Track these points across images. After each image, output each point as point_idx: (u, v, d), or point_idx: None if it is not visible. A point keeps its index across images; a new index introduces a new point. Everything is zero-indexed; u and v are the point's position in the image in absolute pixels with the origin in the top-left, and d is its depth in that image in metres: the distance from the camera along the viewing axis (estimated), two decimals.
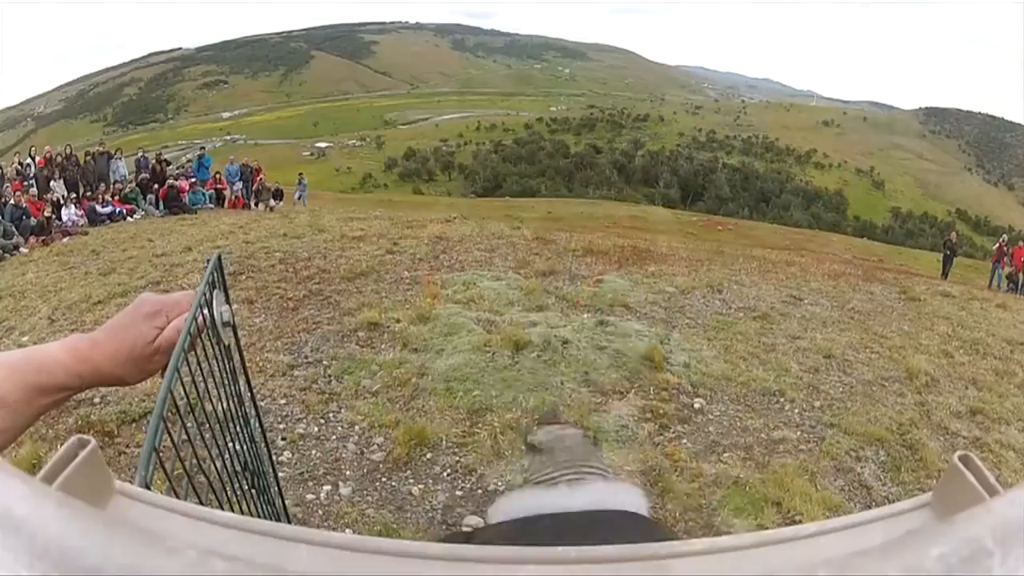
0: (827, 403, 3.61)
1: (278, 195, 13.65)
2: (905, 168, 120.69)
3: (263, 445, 0.96)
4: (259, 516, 0.83)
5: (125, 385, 0.64)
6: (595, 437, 1.05)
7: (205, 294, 0.65)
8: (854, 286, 6.81)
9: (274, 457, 0.99)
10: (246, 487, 0.77)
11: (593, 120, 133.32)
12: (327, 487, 2.70)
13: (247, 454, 0.80)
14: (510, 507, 0.87)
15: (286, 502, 1.05)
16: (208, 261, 0.72)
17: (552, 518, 0.80)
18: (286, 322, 4.44)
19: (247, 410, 0.85)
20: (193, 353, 0.61)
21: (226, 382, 0.72)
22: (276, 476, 1.06)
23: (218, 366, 0.69)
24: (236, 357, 0.80)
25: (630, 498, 0.85)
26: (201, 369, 0.63)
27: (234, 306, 0.73)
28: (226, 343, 0.71)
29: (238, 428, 0.77)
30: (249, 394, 0.90)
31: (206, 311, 0.65)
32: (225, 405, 0.71)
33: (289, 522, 1.02)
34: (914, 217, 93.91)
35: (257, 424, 0.92)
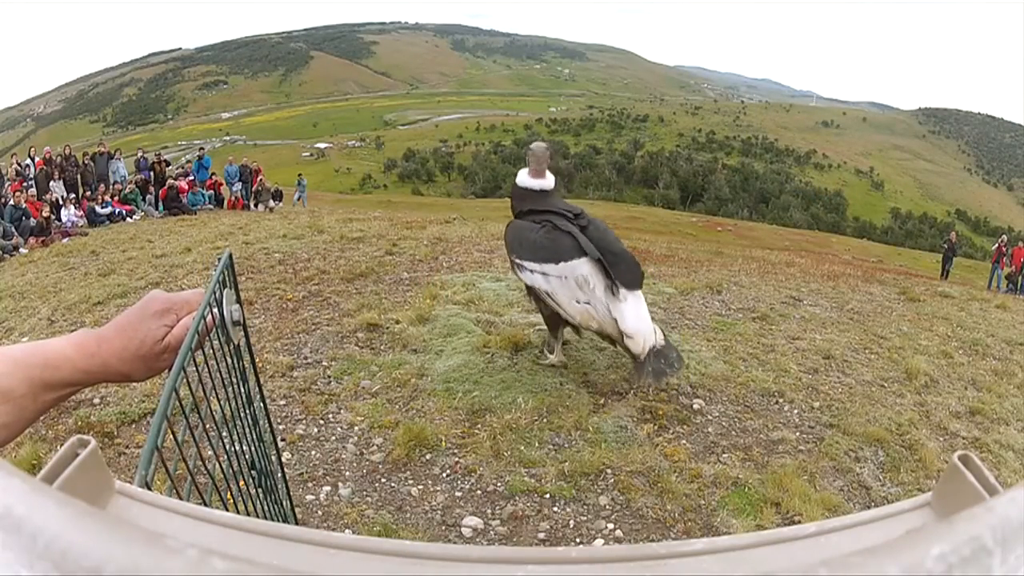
0: (826, 404, 3.61)
1: (277, 196, 13.65)
2: (905, 168, 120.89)
3: (272, 445, 0.96)
4: (266, 517, 0.83)
5: (132, 382, 0.64)
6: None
7: (215, 292, 0.64)
8: (853, 287, 6.81)
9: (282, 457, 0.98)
10: (253, 487, 0.77)
11: (592, 121, 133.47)
12: (326, 488, 2.70)
13: (255, 454, 0.79)
14: (521, 179, 3.55)
15: (293, 503, 1.04)
16: (219, 259, 0.71)
17: (530, 190, 3.50)
18: (285, 323, 4.44)
19: (255, 410, 0.85)
20: (201, 352, 0.61)
21: (235, 381, 0.72)
22: (284, 476, 1.04)
23: (227, 365, 0.68)
24: (246, 356, 0.80)
25: (551, 182, 3.52)
26: (209, 368, 0.62)
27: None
28: (236, 342, 0.70)
29: (246, 428, 0.76)
30: (259, 393, 0.89)
31: (216, 309, 0.64)
32: (234, 404, 0.71)
33: (296, 523, 1.02)
34: (913, 218, 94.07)
35: (266, 424, 0.92)
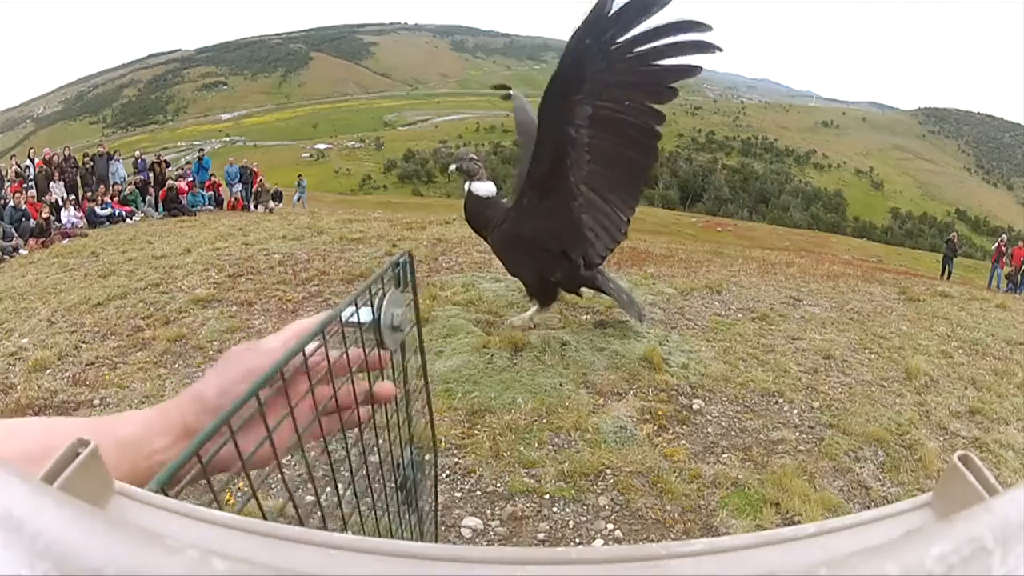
0: (826, 404, 3.61)
1: (277, 197, 13.66)
2: (904, 168, 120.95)
3: (423, 454, 0.86)
4: (406, 531, 0.78)
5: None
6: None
7: (370, 289, 0.58)
8: (853, 287, 6.81)
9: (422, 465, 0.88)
10: (394, 503, 0.71)
11: None
12: (327, 488, 2.70)
13: (403, 465, 0.74)
14: (480, 188, 3.92)
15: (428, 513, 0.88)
16: (400, 257, 0.65)
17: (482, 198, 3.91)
18: (285, 324, 4.42)
19: (409, 418, 0.77)
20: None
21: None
22: (436, 485, 0.93)
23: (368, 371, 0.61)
24: (410, 362, 0.72)
25: (489, 186, 3.92)
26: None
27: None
28: (393, 349, 0.62)
29: (391, 436, 0.70)
30: (427, 402, 0.82)
31: (361, 312, 0.57)
32: (380, 412, 0.64)
33: (437, 537, 0.96)
34: (913, 217, 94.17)
35: (412, 432, 0.82)
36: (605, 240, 3.81)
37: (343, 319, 0.56)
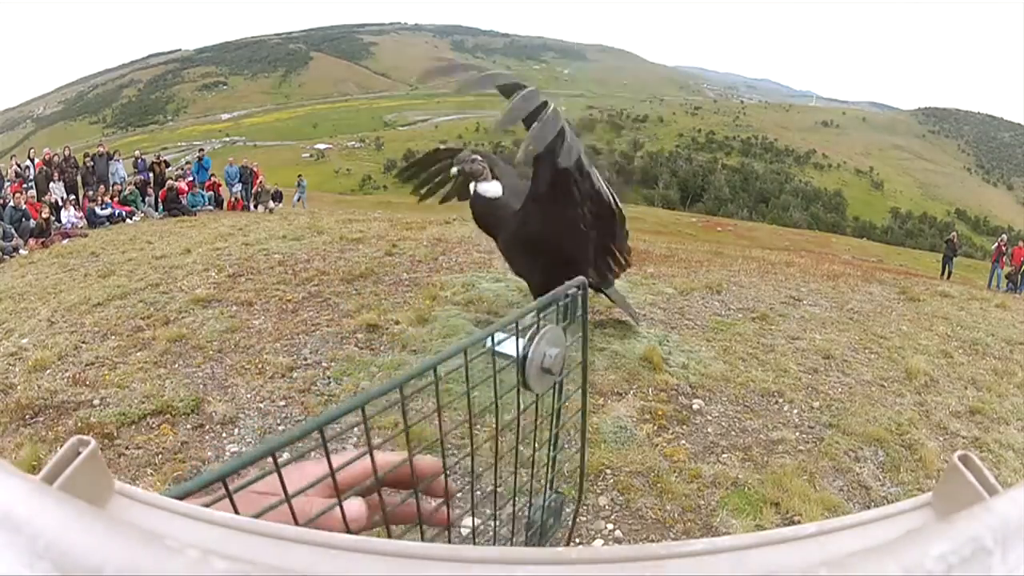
0: (826, 403, 3.61)
1: (277, 197, 13.65)
2: (904, 168, 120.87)
3: (562, 499, 0.76)
4: None
5: None
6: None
7: (517, 321, 0.49)
8: (853, 287, 6.81)
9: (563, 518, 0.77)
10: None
11: (592, 121, 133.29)
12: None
13: (531, 509, 0.66)
14: (487, 189, 3.86)
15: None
16: (575, 288, 0.54)
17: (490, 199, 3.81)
18: (285, 324, 4.44)
19: (551, 463, 0.68)
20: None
21: (519, 433, 0.58)
22: (571, 533, 0.82)
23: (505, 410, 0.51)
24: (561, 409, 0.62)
25: (495, 187, 3.83)
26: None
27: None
28: (537, 391, 0.54)
29: (516, 481, 0.62)
30: (581, 448, 0.71)
31: (506, 344, 0.49)
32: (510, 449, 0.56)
33: None
34: (913, 217, 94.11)
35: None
36: (597, 266, 3.96)
37: (484, 345, 0.45)
